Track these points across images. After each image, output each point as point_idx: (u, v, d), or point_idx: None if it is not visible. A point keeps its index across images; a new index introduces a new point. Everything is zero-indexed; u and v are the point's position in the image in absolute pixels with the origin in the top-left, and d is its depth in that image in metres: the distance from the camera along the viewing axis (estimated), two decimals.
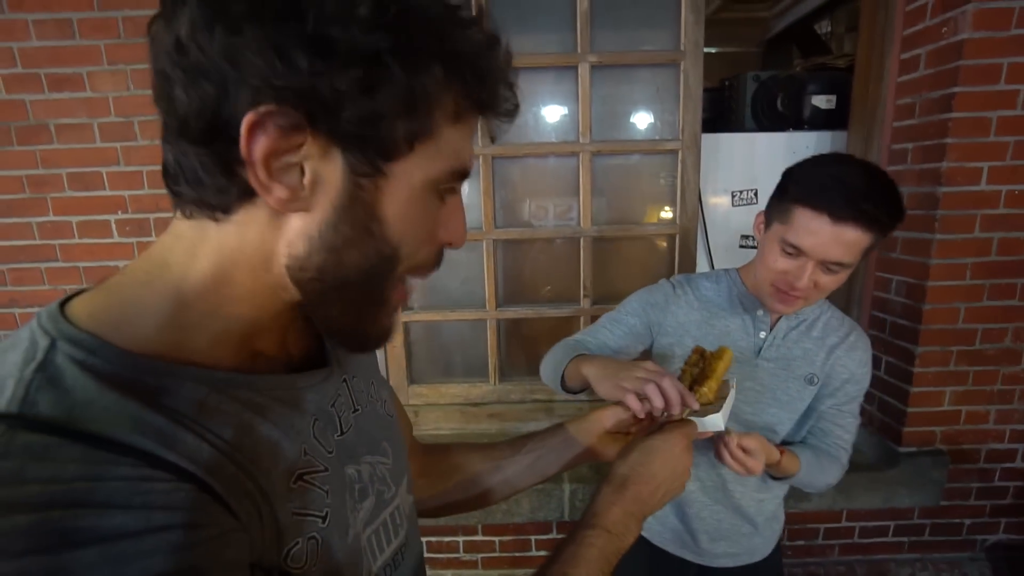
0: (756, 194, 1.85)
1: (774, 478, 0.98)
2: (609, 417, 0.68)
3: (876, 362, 1.66)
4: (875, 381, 1.69)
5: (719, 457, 0.87)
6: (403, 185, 0.34)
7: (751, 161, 1.84)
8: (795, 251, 0.80)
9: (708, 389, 0.70)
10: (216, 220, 0.34)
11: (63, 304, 0.33)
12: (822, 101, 1.85)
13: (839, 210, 0.75)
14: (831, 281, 0.82)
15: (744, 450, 0.84)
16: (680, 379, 0.73)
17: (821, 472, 0.97)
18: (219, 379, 0.34)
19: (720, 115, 2.20)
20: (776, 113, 1.97)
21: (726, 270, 1.01)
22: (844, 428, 0.98)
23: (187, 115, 0.30)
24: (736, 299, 0.97)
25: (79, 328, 0.31)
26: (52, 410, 0.27)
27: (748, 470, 0.85)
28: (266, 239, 0.34)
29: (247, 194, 0.33)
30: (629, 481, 0.55)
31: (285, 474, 0.35)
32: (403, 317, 1.72)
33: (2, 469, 0.24)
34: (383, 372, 1.76)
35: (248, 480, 0.32)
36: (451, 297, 1.78)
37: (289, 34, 0.28)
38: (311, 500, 0.37)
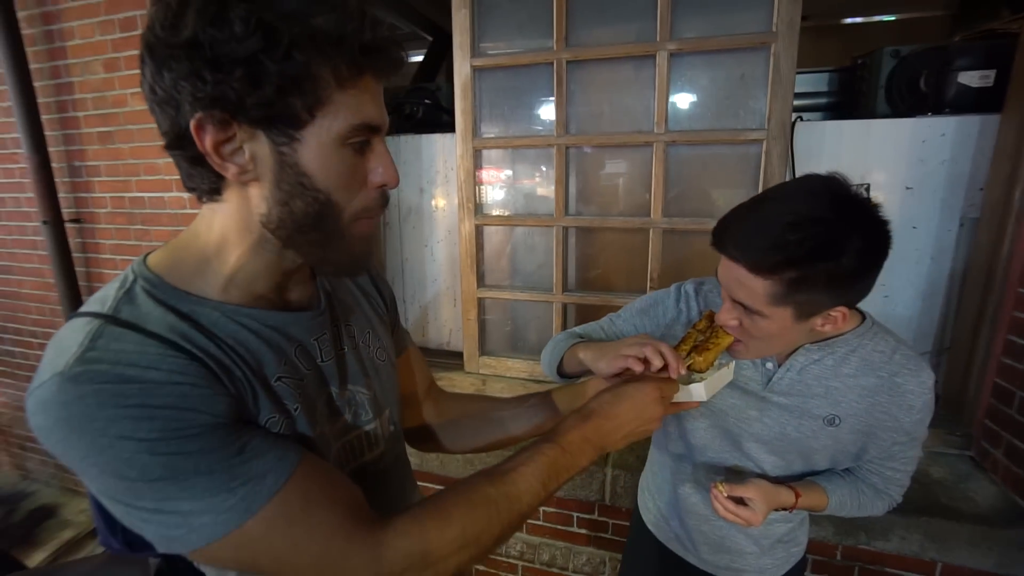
0: (868, 189, 1.62)
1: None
2: (603, 385, 0.74)
3: (1007, 398, 1.38)
4: (1004, 419, 1.40)
5: (714, 509, 0.85)
6: (316, 145, 0.46)
7: (865, 152, 1.61)
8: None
9: (704, 360, 0.72)
10: (217, 201, 0.51)
11: (148, 254, 0.53)
12: (974, 78, 1.54)
13: (726, 248, 0.71)
14: (754, 328, 0.73)
15: (740, 501, 0.82)
16: (686, 339, 0.76)
17: (859, 507, 0.89)
18: (228, 309, 0.51)
19: (849, 99, 1.94)
20: (918, 95, 1.69)
21: None
22: (895, 469, 0.87)
23: (166, 132, 0.46)
24: None
25: (150, 271, 0.50)
26: (128, 315, 0.46)
27: (746, 522, 0.82)
28: (243, 208, 0.50)
29: (219, 177, 0.48)
30: (594, 414, 0.63)
31: (268, 374, 0.51)
32: (479, 293, 1.89)
33: (99, 344, 0.43)
34: (459, 340, 1.95)
35: (238, 369, 0.48)
36: (528, 279, 1.90)
37: (197, 60, 0.42)
38: (286, 394, 0.52)
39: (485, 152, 1.82)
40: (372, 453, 0.65)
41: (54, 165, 2.03)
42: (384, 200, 0.54)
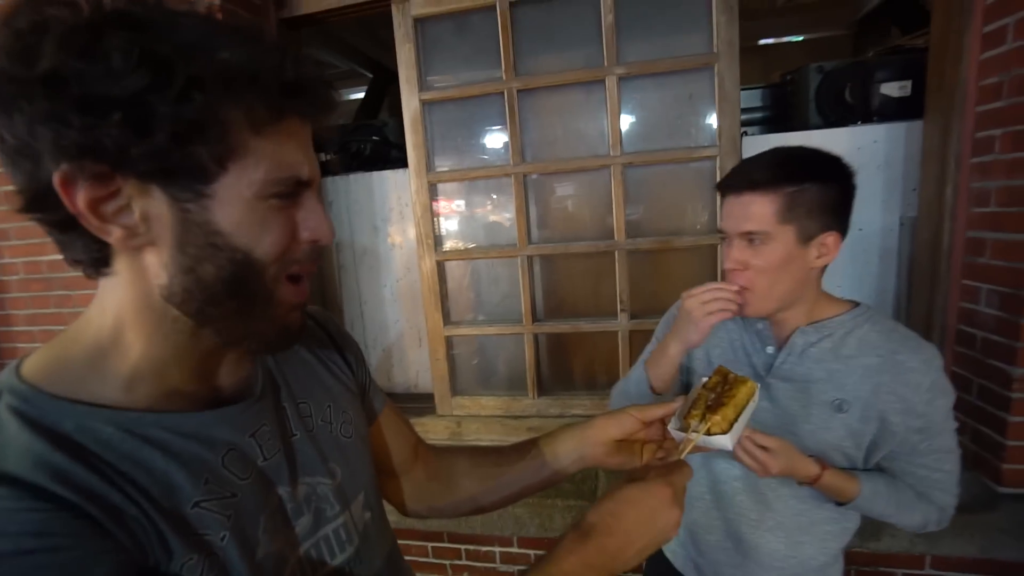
0: None
1: (839, 504, 0.86)
2: (613, 425, 0.66)
3: (966, 385, 1.44)
4: (966, 407, 1.45)
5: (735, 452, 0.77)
6: (233, 199, 0.38)
7: None
8: (723, 235, 0.84)
9: (722, 418, 0.63)
10: (107, 276, 0.40)
11: (23, 359, 0.41)
12: (894, 88, 1.65)
13: (733, 185, 0.81)
14: (758, 255, 0.79)
15: (762, 447, 0.76)
16: (695, 403, 0.67)
17: (898, 505, 0.83)
18: (127, 419, 0.39)
19: (782, 112, 2.05)
20: (845, 106, 1.80)
21: None
22: (927, 467, 0.82)
23: (21, 190, 0.36)
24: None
25: (22, 379, 0.38)
26: None
27: (762, 465, 0.76)
28: (137, 279, 0.40)
29: (101, 245, 0.38)
30: (595, 531, 0.50)
31: (180, 502, 0.40)
32: (445, 331, 1.81)
33: None
34: (427, 381, 1.86)
35: (133, 507, 0.37)
36: (493, 312, 1.84)
37: (60, 100, 0.33)
38: (208, 523, 0.41)
39: (441, 186, 1.77)
40: (344, 553, 0.53)
41: None
42: (315, 255, 0.45)
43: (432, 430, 1.83)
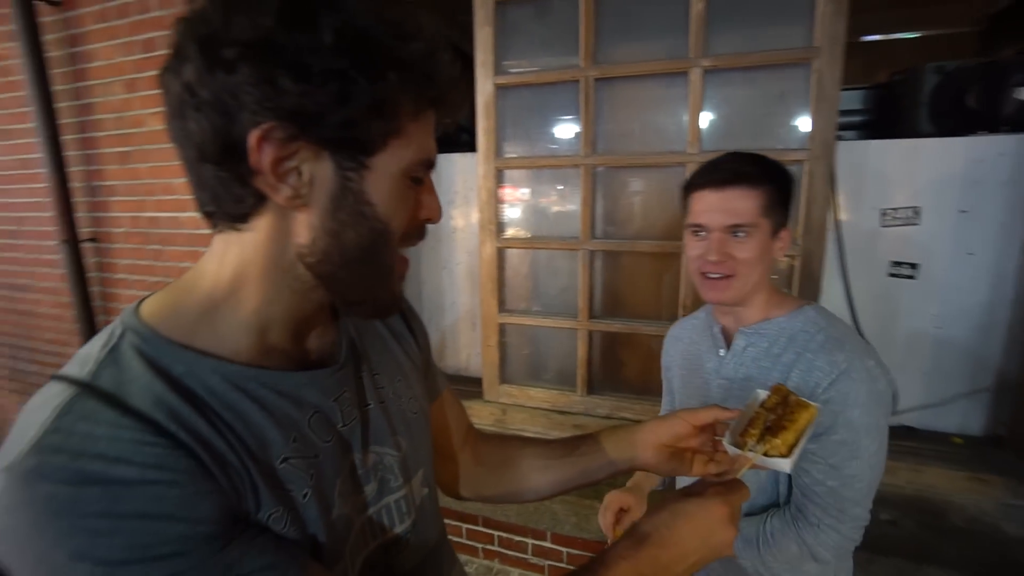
0: (918, 212, 1.51)
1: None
2: (664, 429, 0.66)
3: None
4: None
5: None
6: (384, 174, 0.42)
7: (913, 173, 1.51)
8: (699, 228, 0.84)
9: (782, 442, 0.61)
10: (237, 230, 0.43)
11: (142, 300, 0.44)
12: None
13: (718, 180, 0.82)
14: (743, 248, 0.81)
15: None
16: (753, 421, 0.65)
17: (765, 543, 0.82)
18: (231, 371, 0.42)
19: (885, 117, 1.84)
20: (965, 112, 1.59)
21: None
22: (810, 475, 0.78)
23: (203, 142, 0.39)
24: (706, 324, 0.96)
25: (142, 321, 0.42)
26: (108, 383, 0.38)
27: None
28: (277, 236, 0.42)
29: (259, 201, 0.41)
30: (649, 541, 0.50)
31: (272, 456, 0.42)
32: (499, 319, 1.81)
33: (64, 424, 0.35)
34: (478, 365, 1.87)
35: (233, 455, 0.39)
36: (549, 304, 1.82)
37: (274, 66, 0.36)
38: (293, 479, 0.43)
39: (507, 172, 1.76)
40: (402, 525, 0.55)
41: (75, 184, 2.03)
42: (423, 233, 0.49)
43: (477, 415, 1.85)
